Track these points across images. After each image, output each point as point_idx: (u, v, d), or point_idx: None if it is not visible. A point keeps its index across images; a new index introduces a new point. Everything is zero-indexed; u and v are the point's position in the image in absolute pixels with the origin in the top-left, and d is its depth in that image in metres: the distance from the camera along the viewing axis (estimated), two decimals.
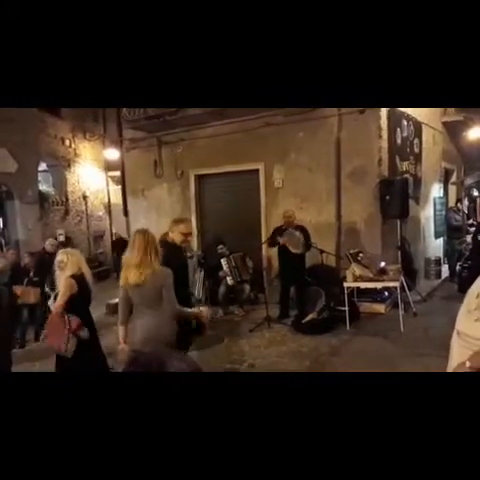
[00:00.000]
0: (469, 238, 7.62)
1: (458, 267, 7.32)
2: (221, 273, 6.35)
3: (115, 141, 9.01)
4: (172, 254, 3.18)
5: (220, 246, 6.54)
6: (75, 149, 10.08)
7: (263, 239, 6.76)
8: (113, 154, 9.29)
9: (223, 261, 6.30)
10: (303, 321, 5.47)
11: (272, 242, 5.89)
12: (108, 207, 10.67)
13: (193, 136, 7.58)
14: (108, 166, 10.26)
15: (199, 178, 7.93)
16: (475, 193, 10.34)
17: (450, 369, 2.06)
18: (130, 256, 2.80)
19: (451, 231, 8.62)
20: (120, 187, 9.14)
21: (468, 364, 1.78)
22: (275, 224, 6.22)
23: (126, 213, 8.74)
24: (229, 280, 6.27)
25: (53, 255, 3.99)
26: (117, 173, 9.42)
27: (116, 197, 10.11)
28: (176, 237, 3.30)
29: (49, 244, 6.41)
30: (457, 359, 2.01)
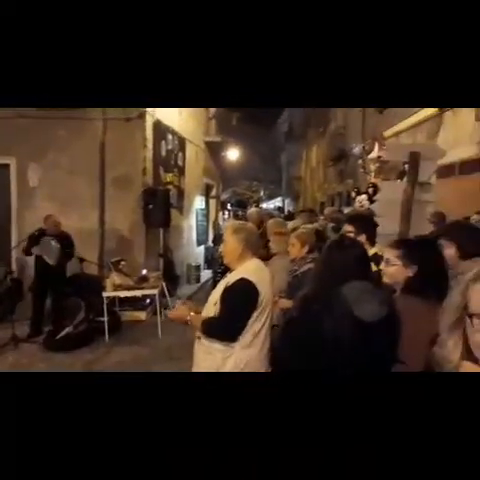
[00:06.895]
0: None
1: (214, 273, 8.19)
2: None
3: None
4: None
5: None
6: None
7: (13, 244, 5.90)
8: None
9: None
10: (57, 337, 4.99)
11: (27, 250, 5.25)
12: None
13: None
14: None
15: None
16: (228, 207, 11.97)
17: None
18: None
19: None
20: None
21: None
22: (30, 229, 5.50)
23: None
24: None
25: None
26: None
27: None
28: None
29: None
30: (200, 361, 2.24)
